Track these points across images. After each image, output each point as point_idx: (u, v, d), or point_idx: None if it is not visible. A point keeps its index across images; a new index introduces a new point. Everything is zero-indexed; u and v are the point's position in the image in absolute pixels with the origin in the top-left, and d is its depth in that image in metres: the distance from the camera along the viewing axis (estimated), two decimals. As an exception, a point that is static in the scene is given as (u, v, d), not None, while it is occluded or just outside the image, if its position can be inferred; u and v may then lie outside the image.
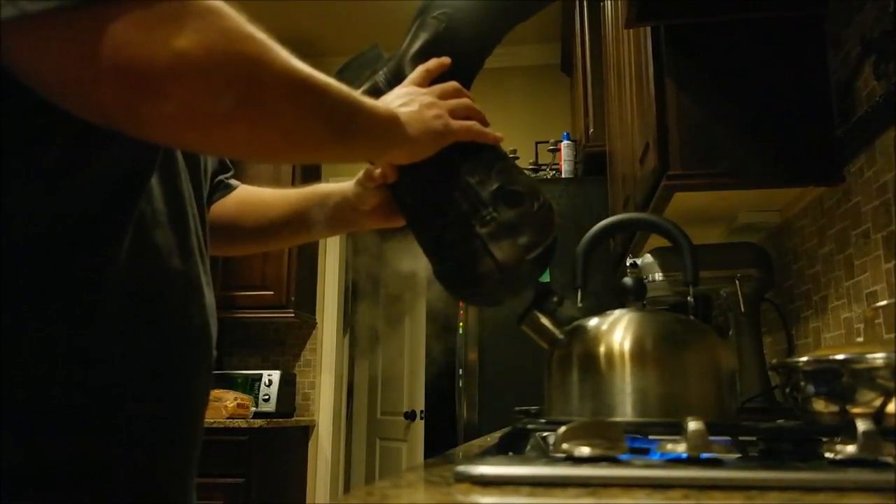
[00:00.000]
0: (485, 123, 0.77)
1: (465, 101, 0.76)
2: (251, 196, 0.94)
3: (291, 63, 0.55)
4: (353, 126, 0.63)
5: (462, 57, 0.80)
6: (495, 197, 0.73)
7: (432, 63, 0.77)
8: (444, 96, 0.75)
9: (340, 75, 0.81)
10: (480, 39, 0.81)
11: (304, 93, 0.56)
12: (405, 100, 0.73)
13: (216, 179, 0.91)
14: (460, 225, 0.72)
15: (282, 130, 0.57)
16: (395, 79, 0.78)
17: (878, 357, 0.64)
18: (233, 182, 0.94)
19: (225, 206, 0.92)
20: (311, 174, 4.01)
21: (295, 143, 0.60)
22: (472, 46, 0.81)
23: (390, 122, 0.68)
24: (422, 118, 0.71)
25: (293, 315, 3.77)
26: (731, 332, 1.38)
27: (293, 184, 3.71)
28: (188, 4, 0.48)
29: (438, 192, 0.75)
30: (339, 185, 0.90)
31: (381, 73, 0.80)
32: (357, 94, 0.64)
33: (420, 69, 0.77)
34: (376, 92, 0.79)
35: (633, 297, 0.87)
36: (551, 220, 0.75)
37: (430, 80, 0.77)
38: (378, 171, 0.79)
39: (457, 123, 0.74)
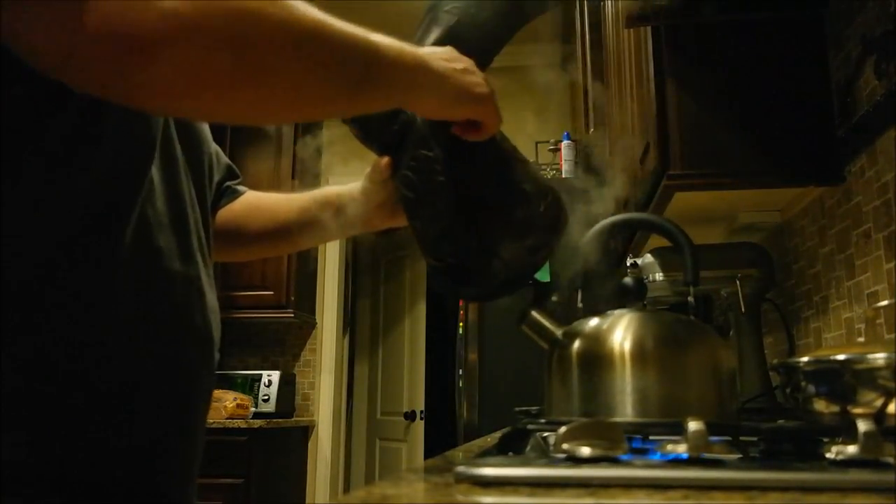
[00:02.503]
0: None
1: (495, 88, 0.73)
2: (258, 200, 0.94)
3: (296, 12, 0.52)
4: (372, 76, 0.59)
5: (473, 52, 0.80)
6: (503, 197, 0.72)
7: None
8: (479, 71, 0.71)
9: None
10: (492, 35, 0.81)
11: (311, 44, 0.53)
12: (449, 55, 0.68)
13: (224, 185, 0.91)
14: (467, 223, 0.72)
15: (289, 87, 0.53)
16: None
17: (879, 357, 0.64)
18: (240, 188, 0.94)
19: (232, 210, 0.92)
20: (310, 174, 4.01)
21: (306, 100, 0.56)
22: (484, 41, 0.81)
23: (417, 69, 0.63)
24: (462, 78, 0.67)
25: (293, 315, 3.77)
26: (731, 333, 1.38)
27: (293, 183, 3.72)
28: None
29: (445, 188, 0.74)
30: (346, 186, 0.90)
31: None
32: (379, 40, 0.59)
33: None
34: None
35: (633, 297, 0.87)
36: (559, 220, 0.75)
37: None
38: (385, 161, 0.78)
39: (493, 106, 0.70)
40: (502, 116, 0.73)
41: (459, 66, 0.67)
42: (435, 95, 0.65)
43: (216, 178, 0.88)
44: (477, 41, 0.79)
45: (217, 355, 0.73)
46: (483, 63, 0.82)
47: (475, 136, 0.71)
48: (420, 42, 0.79)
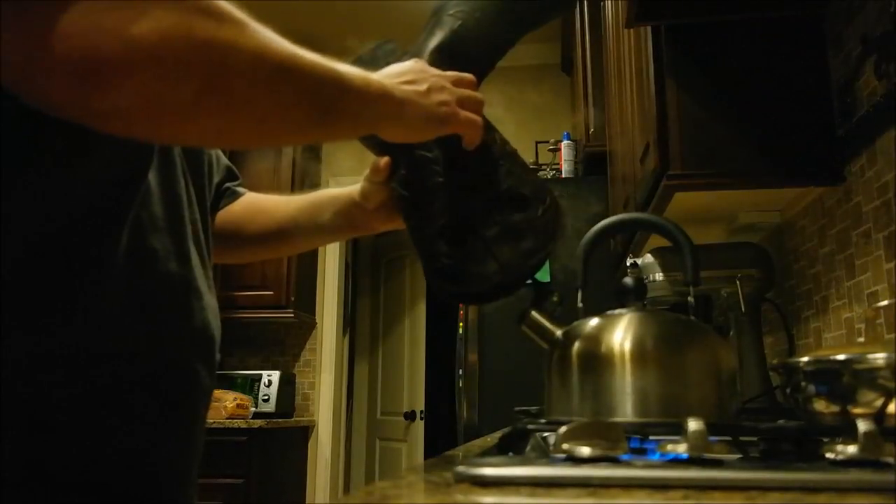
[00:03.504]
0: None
1: (477, 95, 0.74)
2: (258, 202, 0.94)
3: (267, 45, 0.52)
4: (339, 108, 0.60)
5: (476, 56, 0.80)
6: (501, 200, 0.72)
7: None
8: (458, 84, 0.72)
9: (354, 65, 0.81)
10: (495, 39, 0.81)
11: (280, 77, 0.53)
12: (413, 76, 0.69)
13: (223, 186, 0.91)
14: (464, 226, 0.72)
15: (256, 118, 0.53)
16: None
17: (878, 357, 0.64)
18: (240, 189, 0.94)
19: (231, 212, 0.91)
20: (310, 176, 4.02)
21: (273, 130, 0.57)
22: (487, 46, 0.81)
23: (383, 100, 0.64)
24: (426, 102, 0.68)
25: (293, 315, 3.77)
26: (731, 333, 1.38)
27: (292, 185, 3.72)
28: None
29: (441, 189, 0.74)
30: (345, 188, 0.90)
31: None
32: (346, 71, 0.60)
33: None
34: None
35: (633, 297, 0.87)
36: (556, 224, 0.75)
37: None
38: (384, 162, 0.78)
39: (463, 114, 0.71)
40: (482, 123, 0.74)
41: (423, 87, 0.68)
42: (400, 124, 0.67)
43: (215, 179, 0.88)
44: (480, 45, 0.79)
45: (217, 356, 0.73)
46: (486, 67, 0.82)
47: (464, 145, 0.72)
48: (423, 44, 0.79)
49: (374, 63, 0.81)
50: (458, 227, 0.73)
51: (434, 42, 0.78)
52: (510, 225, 0.72)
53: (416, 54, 0.78)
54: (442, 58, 0.77)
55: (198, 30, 0.47)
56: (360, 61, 0.81)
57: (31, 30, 0.43)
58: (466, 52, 0.78)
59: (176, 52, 0.46)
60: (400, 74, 0.69)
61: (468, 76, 0.74)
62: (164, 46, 0.45)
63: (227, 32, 0.49)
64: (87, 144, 0.56)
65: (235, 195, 0.93)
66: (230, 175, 0.93)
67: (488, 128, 0.77)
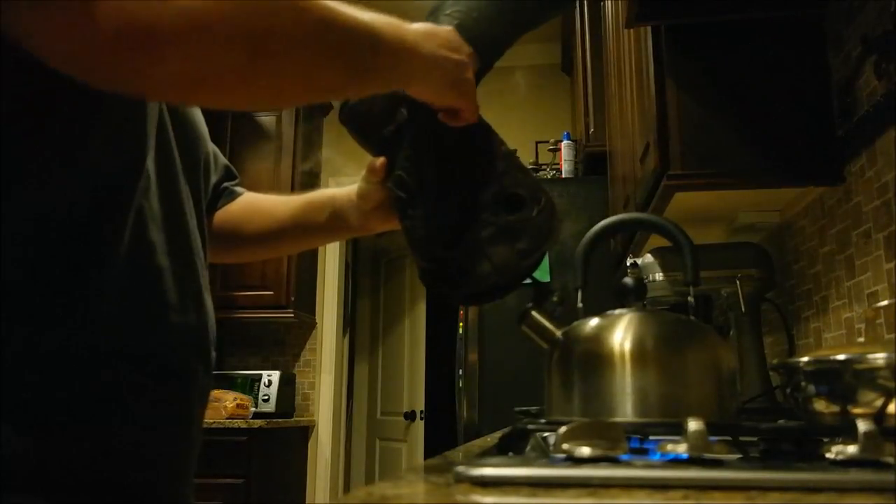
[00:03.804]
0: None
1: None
2: (256, 202, 0.94)
3: (306, 2, 0.53)
4: (372, 66, 0.61)
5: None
6: (496, 200, 0.72)
7: None
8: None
9: None
10: (493, 39, 0.81)
11: (319, 35, 0.55)
12: (450, 42, 0.70)
13: (221, 186, 0.91)
14: (459, 226, 0.72)
15: (301, 75, 0.55)
16: None
17: (878, 357, 0.64)
18: (238, 189, 0.94)
19: (229, 212, 0.91)
20: (309, 175, 4.02)
21: (312, 86, 0.59)
22: (485, 46, 0.81)
23: (414, 59, 0.65)
24: (453, 68, 0.69)
25: (293, 315, 3.77)
26: (731, 333, 1.38)
27: (291, 185, 3.72)
28: None
29: (437, 189, 0.74)
30: (343, 188, 0.90)
31: None
32: (381, 26, 0.61)
33: None
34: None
35: (633, 297, 0.87)
36: (551, 225, 0.75)
37: None
38: (380, 162, 0.79)
39: (472, 96, 0.72)
40: (489, 122, 0.75)
41: (455, 56, 0.70)
42: (428, 82, 0.68)
43: (214, 179, 0.88)
44: (478, 45, 0.79)
45: (214, 354, 0.73)
46: (484, 66, 0.82)
47: (454, 123, 0.73)
48: None
49: None
50: (453, 228, 0.73)
51: None
52: (505, 225, 0.72)
53: None
54: None
55: None
56: None
57: (84, 7, 0.44)
58: None
59: (223, 19, 0.48)
60: (437, 34, 0.70)
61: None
62: (213, 14, 0.47)
63: None
64: (85, 137, 0.56)
65: (234, 195, 0.93)
66: (228, 174, 0.93)
67: (485, 128, 0.77)
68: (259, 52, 0.50)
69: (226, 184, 0.92)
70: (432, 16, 0.80)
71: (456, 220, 0.73)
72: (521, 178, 0.76)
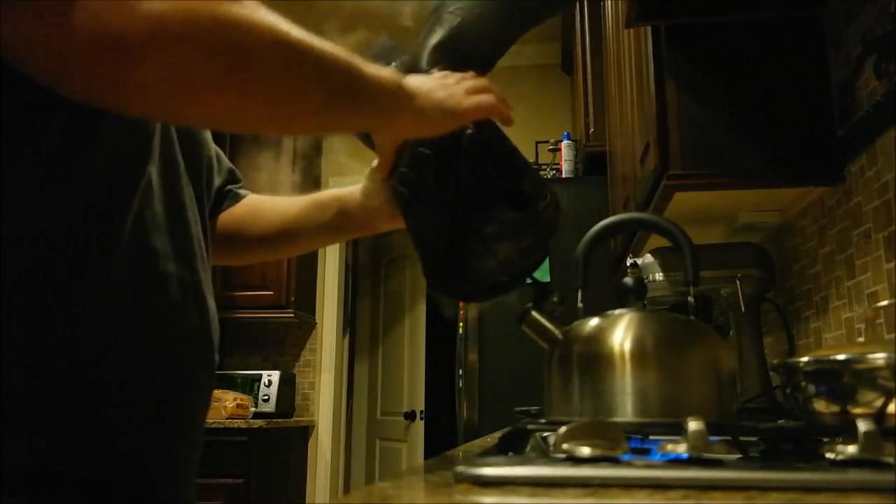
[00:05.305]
0: (504, 105, 0.75)
1: (482, 80, 0.74)
2: (260, 204, 0.94)
3: (281, 27, 0.53)
4: (353, 92, 0.60)
5: (476, 54, 0.80)
6: (501, 197, 0.72)
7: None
8: (470, 89, 0.73)
9: None
10: (495, 37, 0.81)
11: (297, 57, 0.54)
12: (422, 78, 0.70)
13: (225, 189, 0.91)
14: (464, 223, 0.72)
15: (274, 97, 0.54)
16: (410, 71, 0.78)
17: (878, 357, 0.64)
18: (242, 191, 0.94)
19: (233, 214, 0.91)
20: (310, 180, 4.01)
21: (289, 111, 0.57)
22: (487, 44, 0.81)
23: (395, 90, 0.65)
24: (436, 96, 0.69)
25: (293, 315, 3.77)
26: (731, 333, 1.38)
27: (293, 185, 3.72)
28: None
29: (441, 186, 0.74)
30: (346, 188, 0.89)
31: (393, 64, 0.79)
32: (360, 60, 0.61)
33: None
34: None
35: (633, 297, 0.87)
36: (555, 221, 0.75)
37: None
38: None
39: (470, 101, 0.71)
40: (496, 99, 0.74)
41: (430, 83, 0.69)
42: (413, 116, 0.67)
43: (217, 181, 0.88)
44: (480, 43, 0.79)
45: (216, 357, 0.73)
46: (486, 65, 0.82)
47: (502, 125, 0.73)
48: (423, 42, 0.79)
49: (374, 59, 0.81)
50: (457, 225, 0.72)
51: (434, 40, 0.78)
52: (510, 222, 0.71)
53: (416, 51, 0.78)
54: (442, 56, 0.77)
55: (221, 9, 0.48)
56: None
57: (55, 10, 0.43)
58: (466, 50, 0.78)
59: (201, 30, 0.47)
60: (409, 77, 0.70)
61: (469, 74, 0.75)
62: (191, 24, 0.47)
63: (247, 12, 0.50)
64: (84, 139, 0.56)
65: (237, 197, 0.92)
66: (232, 177, 0.93)
67: (489, 124, 0.77)
68: (232, 66, 0.50)
69: (230, 186, 0.92)
70: (434, 14, 0.80)
71: (460, 217, 0.72)
72: (525, 174, 0.76)
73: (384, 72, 0.65)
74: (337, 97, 0.59)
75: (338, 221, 0.89)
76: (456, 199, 0.72)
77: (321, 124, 0.67)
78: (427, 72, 0.76)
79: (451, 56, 0.78)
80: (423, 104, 0.67)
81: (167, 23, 0.45)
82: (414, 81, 0.68)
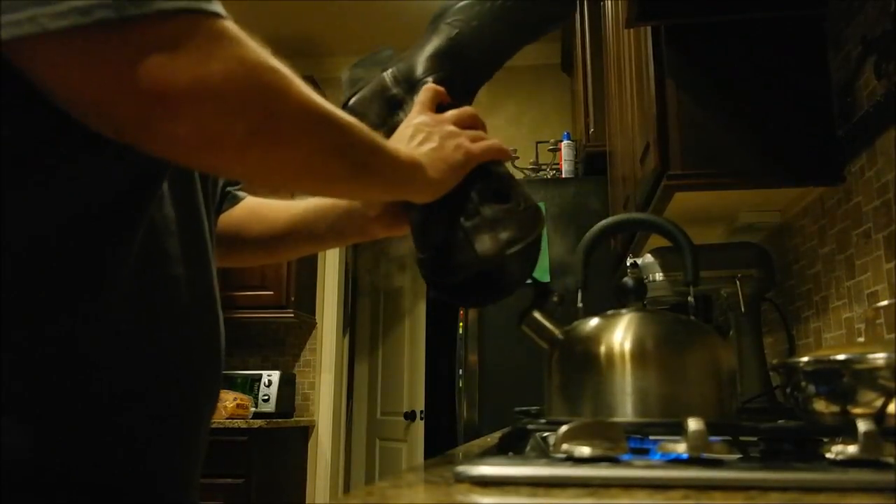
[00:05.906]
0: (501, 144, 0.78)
1: (480, 131, 0.76)
2: (258, 206, 0.94)
3: (311, 97, 0.56)
4: (372, 165, 0.64)
5: (473, 64, 0.80)
6: (483, 193, 0.74)
7: (440, 90, 0.77)
8: (460, 123, 0.75)
9: (352, 70, 0.81)
10: (492, 49, 0.81)
11: (321, 127, 0.58)
12: (424, 135, 0.72)
13: (225, 190, 0.91)
14: (446, 217, 0.73)
15: (296, 161, 0.58)
16: (405, 79, 0.78)
17: (879, 357, 0.64)
18: (240, 193, 0.94)
19: (231, 215, 0.91)
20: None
21: (309, 175, 0.61)
22: (485, 54, 0.81)
23: (412, 167, 0.68)
24: (443, 155, 0.71)
25: (293, 315, 3.77)
26: (731, 333, 1.38)
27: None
28: (211, 29, 0.50)
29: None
30: None
31: (389, 71, 0.80)
32: (378, 136, 0.65)
33: (429, 90, 0.76)
34: (383, 90, 0.78)
35: (633, 297, 0.87)
36: (536, 220, 0.76)
37: (437, 101, 0.76)
38: None
39: (477, 148, 0.73)
40: (487, 124, 0.77)
41: (435, 142, 0.72)
42: (428, 185, 0.70)
43: (220, 180, 0.88)
44: (478, 54, 0.80)
45: (223, 360, 0.73)
46: (484, 76, 0.82)
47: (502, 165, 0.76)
48: (419, 51, 0.79)
49: (372, 67, 0.81)
50: (443, 221, 0.74)
51: (430, 49, 0.79)
52: (490, 216, 0.73)
53: (411, 60, 0.79)
54: (439, 64, 0.77)
55: (257, 75, 0.52)
56: (357, 66, 0.81)
57: (106, 61, 0.47)
58: (463, 60, 0.79)
59: (236, 92, 0.51)
60: (412, 138, 0.72)
61: (468, 110, 0.77)
62: (228, 85, 0.50)
63: (282, 81, 0.54)
64: (98, 145, 0.56)
65: (236, 199, 0.93)
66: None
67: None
68: (260, 128, 0.53)
69: (229, 188, 0.92)
70: (433, 23, 0.80)
71: (447, 214, 0.73)
72: (509, 180, 0.77)
73: (400, 149, 0.68)
74: (358, 168, 0.63)
75: (336, 227, 0.89)
76: (445, 200, 0.73)
77: (340, 191, 0.71)
78: (422, 80, 0.77)
79: (450, 62, 0.78)
80: (436, 173, 0.70)
81: (206, 82, 0.49)
82: (423, 149, 0.71)
